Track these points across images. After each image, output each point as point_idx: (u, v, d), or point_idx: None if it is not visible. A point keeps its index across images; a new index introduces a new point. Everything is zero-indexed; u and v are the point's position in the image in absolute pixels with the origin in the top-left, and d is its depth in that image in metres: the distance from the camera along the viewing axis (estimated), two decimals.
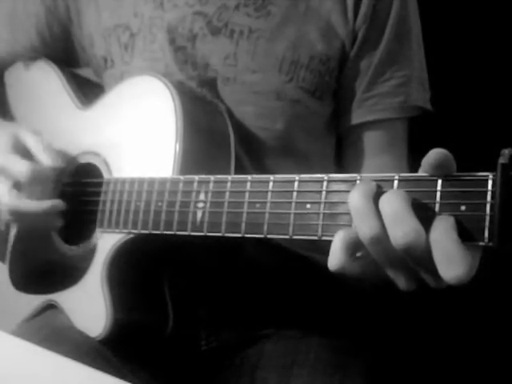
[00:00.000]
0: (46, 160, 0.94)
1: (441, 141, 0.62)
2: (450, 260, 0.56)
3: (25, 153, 0.95)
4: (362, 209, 0.60)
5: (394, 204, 0.59)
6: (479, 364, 1.35)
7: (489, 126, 1.26)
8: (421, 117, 1.03)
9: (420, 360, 1.38)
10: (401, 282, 0.62)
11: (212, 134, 0.89)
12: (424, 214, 0.59)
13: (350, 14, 0.96)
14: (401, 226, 0.57)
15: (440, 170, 0.59)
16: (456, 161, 0.60)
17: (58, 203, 0.95)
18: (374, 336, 1.09)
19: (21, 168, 0.92)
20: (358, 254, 0.62)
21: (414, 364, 1.37)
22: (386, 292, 1.10)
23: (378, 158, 1.01)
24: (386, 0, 0.97)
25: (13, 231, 1.06)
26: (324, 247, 0.92)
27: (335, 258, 0.62)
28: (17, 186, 0.93)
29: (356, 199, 0.61)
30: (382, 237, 0.59)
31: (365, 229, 0.60)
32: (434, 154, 0.58)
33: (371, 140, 1.02)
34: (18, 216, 0.95)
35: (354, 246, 0.62)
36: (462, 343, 1.37)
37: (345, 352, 1.00)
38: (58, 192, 0.99)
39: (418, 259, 0.58)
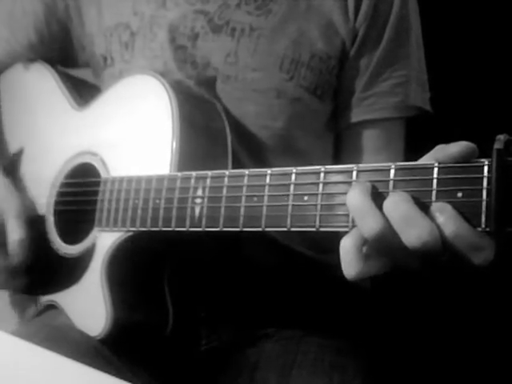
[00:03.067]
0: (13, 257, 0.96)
1: (439, 140, 0.63)
2: (478, 248, 0.57)
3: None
4: (361, 206, 0.61)
5: (401, 207, 0.59)
6: (479, 363, 1.35)
7: (487, 125, 1.26)
8: (419, 117, 1.04)
9: (420, 360, 1.38)
10: (413, 266, 0.63)
11: (209, 132, 0.89)
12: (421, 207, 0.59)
13: (351, 13, 0.96)
14: (413, 228, 0.58)
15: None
16: None
17: None
18: (373, 336, 1.09)
19: None
20: (364, 250, 0.63)
21: (414, 364, 1.37)
22: (385, 292, 1.11)
23: (375, 156, 1.02)
24: (386, 0, 0.98)
25: None
26: (324, 246, 0.93)
27: (352, 268, 0.62)
28: None
29: (354, 198, 0.62)
30: (387, 232, 0.60)
31: (368, 226, 0.61)
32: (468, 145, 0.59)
33: (369, 139, 1.02)
34: None
35: (361, 247, 0.62)
36: (462, 343, 1.37)
37: (344, 352, 1.00)
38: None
39: (435, 253, 0.59)
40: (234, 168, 0.88)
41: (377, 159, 1.01)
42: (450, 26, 1.31)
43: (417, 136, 1.06)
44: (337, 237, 0.65)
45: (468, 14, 1.31)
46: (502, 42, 1.31)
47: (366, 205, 0.61)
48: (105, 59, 1.03)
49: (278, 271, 0.99)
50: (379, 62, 0.99)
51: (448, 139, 0.63)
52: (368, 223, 0.60)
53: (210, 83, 0.97)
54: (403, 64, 1.00)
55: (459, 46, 1.33)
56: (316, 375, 0.95)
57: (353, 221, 0.64)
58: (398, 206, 0.60)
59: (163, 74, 0.92)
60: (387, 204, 0.60)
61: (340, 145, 1.06)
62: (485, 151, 0.58)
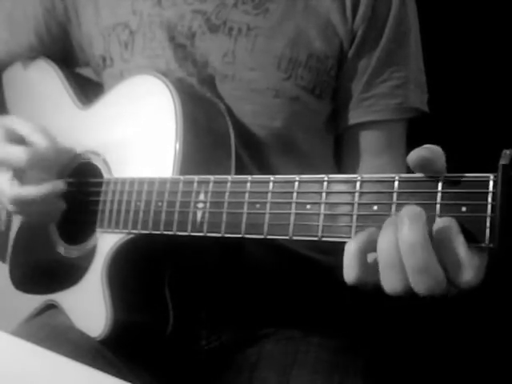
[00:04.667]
0: (41, 142, 0.92)
1: (438, 142, 0.62)
2: (460, 266, 0.57)
3: (19, 140, 0.93)
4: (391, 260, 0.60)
5: (417, 254, 0.57)
6: (479, 363, 1.35)
7: (486, 127, 1.26)
8: (419, 118, 1.03)
9: (420, 360, 1.38)
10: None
11: (212, 134, 0.89)
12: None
13: (349, 14, 0.95)
14: (424, 278, 0.57)
15: (423, 169, 0.60)
16: (454, 162, 0.60)
17: (58, 184, 0.93)
18: (373, 336, 1.09)
19: (18, 155, 0.90)
20: (370, 260, 0.62)
21: (414, 364, 1.37)
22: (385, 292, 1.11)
23: (376, 158, 1.01)
24: (384, 1, 0.97)
25: (13, 231, 1.06)
26: (325, 247, 0.93)
27: (351, 272, 0.62)
28: (17, 174, 0.92)
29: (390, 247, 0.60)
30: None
31: (392, 283, 0.60)
32: (413, 157, 0.59)
33: (369, 140, 1.01)
34: (21, 205, 0.93)
35: (365, 254, 0.62)
36: (462, 342, 1.37)
37: (345, 352, 1.00)
38: (58, 173, 0.98)
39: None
40: (235, 168, 0.88)
41: (378, 161, 1.01)
42: (448, 26, 1.30)
43: (414, 138, 1.06)
44: None
45: (466, 15, 1.31)
46: (500, 41, 1.30)
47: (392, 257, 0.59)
48: (104, 60, 1.03)
49: (277, 271, 0.98)
50: (378, 64, 0.98)
51: (446, 139, 0.63)
52: (391, 281, 0.60)
53: (211, 82, 0.96)
54: (402, 65, 0.99)
55: (457, 48, 1.32)
56: (316, 375, 0.95)
57: (355, 231, 0.63)
58: (415, 252, 0.58)
59: (165, 73, 0.91)
60: (406, 248, 0.58)
61: (341, 146, 1.05)
62: (483, 153, 0.58)
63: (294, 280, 1.00)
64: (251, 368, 0.98)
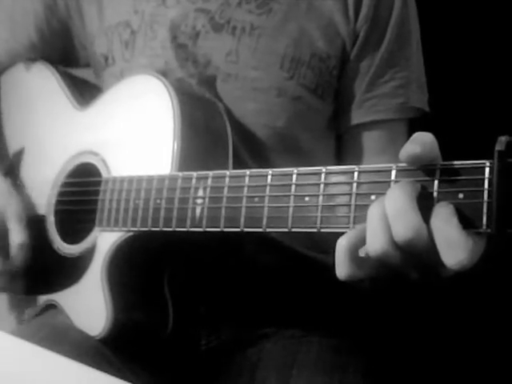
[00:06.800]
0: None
1: (439, 142, 0.63)
2: (452, 245, 0.57)
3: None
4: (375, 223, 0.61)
5: (397, 201, 0.59)
6: (479, 364, 1.35)
7: (485, 127, 1.26)
8: (419, 118, 1.03)
9: (420, 360, 1.38)
10: (409, 274, 0.63)
11: (210, 132, 0.89)
12: (425, 202, 0.59)
13: (351, 14, 0.96)
14: (401, 223, 0.58)
15: (417, 163, 0.60)
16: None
17: None
18: (374, 336, 1.09)
19: None
20: (362, 254, 0.63)
21: (414, 364, 1.36)
22: (385, 292, 1.11)
23: (378, 158, 1.01)
24: (387, 1, 0.97)
25: None
26: (324, 246, 0.93)
27: (343, 268, 0.62)
28: None
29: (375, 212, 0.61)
30: (389, 252, 0.60)
31: (376, 245, 0.60)
32: (404, 156, 0.60)
33: (371, 140, 1.02)
34: None
35: (357, 250, 0.62)
36: (462, 342, 1.37)
37: (345, 352, 0.99)
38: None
39: (421, 252, 0.59)
40: (235, 167, 0.88)
41: (380, 160, 1.00)
42: (447, 27, 1.31)
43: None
44: (337, 237, 0.64)
45: (465, 17, 1.31)
46: (499, 42, 1.31)
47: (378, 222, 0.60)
48: (106, 58, 1.04)
49: (278, 271, 0.98)
50: (380, 64, 0.98)
51: (445, 139, 0.63)
52: (375, 243, 0.60)
53: (210, 82, 0.97)
54: (404, 66, 1.00)
55: (456, 48, 1.33)
56: (316, 375, 0.94)
57: (354, 221, 0.64)
58: (394, 199, 0.59)
59: (164, 73, 0.92)
60: (387, 195, 0.60)
61: (342, 146, 1.06)
62: (482, 151, 0.58)
63: (294, 279, 1.00)
64: (251, 368, 0.98)
